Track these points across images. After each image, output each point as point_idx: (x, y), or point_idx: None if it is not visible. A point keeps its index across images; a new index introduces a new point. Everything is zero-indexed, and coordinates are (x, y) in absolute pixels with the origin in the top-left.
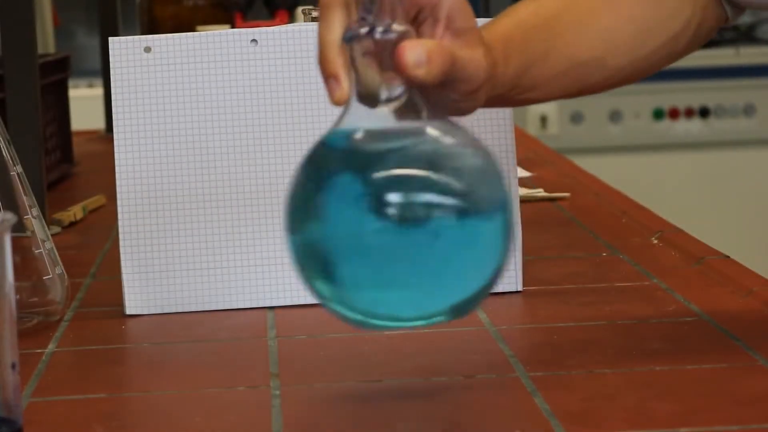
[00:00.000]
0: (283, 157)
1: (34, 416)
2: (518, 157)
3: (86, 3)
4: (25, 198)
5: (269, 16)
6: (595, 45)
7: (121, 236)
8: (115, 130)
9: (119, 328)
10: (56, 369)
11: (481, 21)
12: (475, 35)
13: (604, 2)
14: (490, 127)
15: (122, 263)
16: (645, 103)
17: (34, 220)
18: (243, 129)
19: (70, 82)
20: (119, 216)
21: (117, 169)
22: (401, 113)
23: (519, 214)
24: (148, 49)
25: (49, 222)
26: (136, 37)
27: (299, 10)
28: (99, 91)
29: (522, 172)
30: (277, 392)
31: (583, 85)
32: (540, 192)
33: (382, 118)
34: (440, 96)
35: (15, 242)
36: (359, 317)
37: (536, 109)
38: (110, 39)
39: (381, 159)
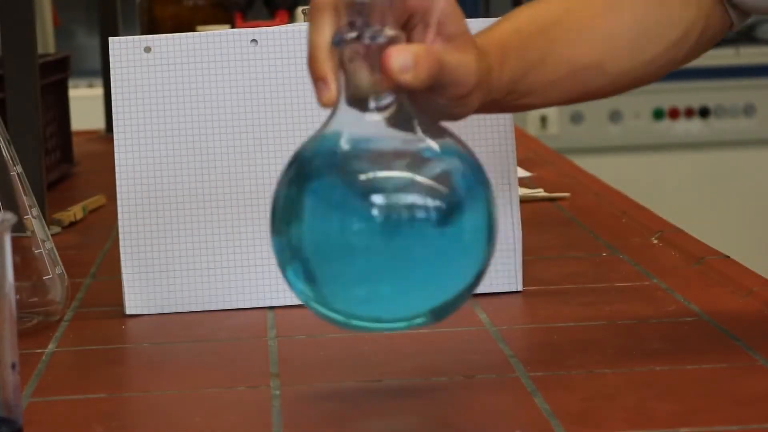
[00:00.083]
0: (283, 157)
1: (34, 416)
2: (518, 157)
3: (86, 3)
4: (25, 198)
5: (269, 16)
6: (595, 51)
7: (121, 236)
8: (115, 130)
9: (119, 328)
10: (56, 369)
11: (481, 22)
12: (467, 40)
13: (605, 8)
14: (490, 128)
15: (122, 263)
16: (645, 103)
17: (34, 220)
18: (243, 129)
19: (70, 82)
20: (119, 216)
21: (117, 169)
22: (391, 118)
23: (519, 214)
24: (148, 49)
25: (49, 222)
26: (136, 37)
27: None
28: (99, 91)
29: (522, 172)
30: (277, 392)
31: (582, 91)
32: (540, 192)
33: (370, 121)
34: (430, 101)
35: (15, 242)
36: (341, 318)
37: (536, 110)
38: (110, 39)
39: (363, 161)
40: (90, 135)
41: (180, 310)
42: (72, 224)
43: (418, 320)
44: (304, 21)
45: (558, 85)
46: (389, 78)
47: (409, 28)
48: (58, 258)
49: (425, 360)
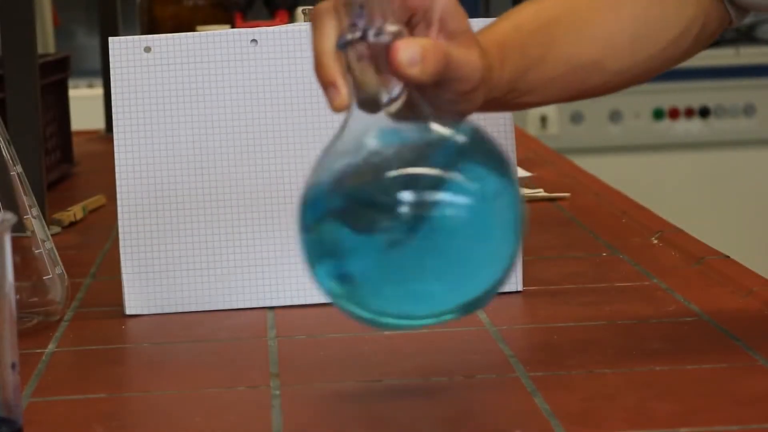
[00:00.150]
0: (283, 157)
1: (34, 416)
2: (518, 157)
3: (86, 3)
4: (25, 198)
5: (269, 16)
6: (594, 48)
7: (121, 236)
8: (115, 130)
9: (119, 328)
10: (56, 369)
11: (481, 21)
12: (469, 37)
13: (605, 5)
14: (490, 128)
15: (122, 263)
16: (645, 103)
17: (34, 220)
18: (243, 129)
19: (70, 82)
20: (119, 216)
21: (117, 169)
22: (404, 114)
23: None
24: (148, 49)
25: (49, 222)
26: (136, 37)
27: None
28: (99, 91)
29: (522, 172)
30: (277, 392)
31: (582, 88)
32: (540, 192)
33: (386, 120)
34: (436, 97)
35: (15, 242)
36: (370, 316)
37: (536, 109)
38: (110, 39)
39: (391, 158)
40: (90, 135)
41: (180, 310)
42: (72, 224)
43: (448, 316)
44: (304, 21)
45: (558, 82)
46: (397, 72)
47: (410, 26)
48: (58, 258)
49: (425, 360)
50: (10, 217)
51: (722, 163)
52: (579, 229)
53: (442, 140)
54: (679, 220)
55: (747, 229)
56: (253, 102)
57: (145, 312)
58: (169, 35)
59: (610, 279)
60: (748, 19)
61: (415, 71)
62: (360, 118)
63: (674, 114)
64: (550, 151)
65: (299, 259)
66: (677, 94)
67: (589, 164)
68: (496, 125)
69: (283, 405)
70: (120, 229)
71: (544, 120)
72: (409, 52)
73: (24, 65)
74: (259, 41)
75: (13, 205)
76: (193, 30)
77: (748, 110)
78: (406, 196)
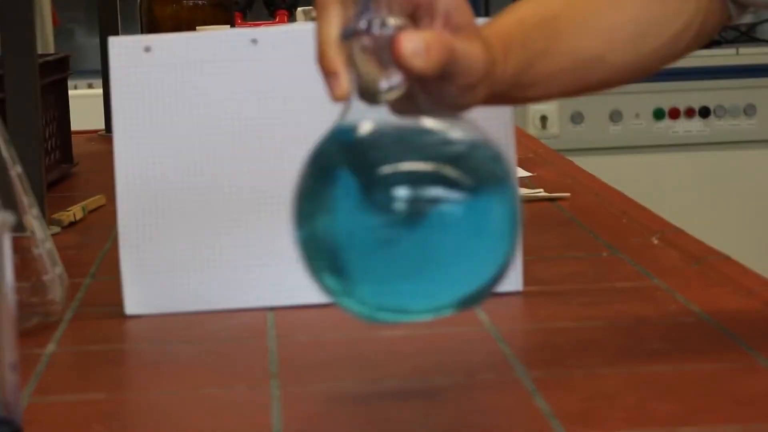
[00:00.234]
0: (283, 157)
1: (34, 416)
2: (518, 157)
3: (86, 3)
4: (25, 198)
5: (269, 16)
6: (596, 43)
7: (121, 236)
8: (114, 130)
9: (119, 328)
10: (56, 369)
11: (481, 21)
12: (474, 30)
13: (606, 0)
14: (490, 127)
15: (122, 263)
16: (645, 103)
17: (34, 220)
18: (243, 129)
19: (70, 82)
20: (119, 216)
21: (117, 169)
22: (403, 108)
23: None
24: (148, 49)
25: (49, 222)
26: (136, 37)
27: (299, 10)
28: (99, 91)
29: (522, 172)
30: (277, 392)
31: (584, 83)
32: (540, 192)
33: (385, 113)
34: (439, 90)
35: (15, 242)
36: (368, 311)
37: (536, 109)
38: (110, 39)
39: (387, 152)
40: (90, 135)
41: (180, 310)
42: (72, 224)
43: (446, 311)
44: (304, 21)
45: (561, 76)
46: (401, 64)
47: (415, 19)
48: (58, 258)
49: (425, 360)
50: (10, 217)
51: (722, 163)
52: (579, 229)
53: (439, 136)
54: (679, 220)
55: (747, 229)
56: (253, 102)
57: (145, 312)
58: (169, 35)
59: (610, 279)
60: (748, 19)
61: (418, 62)
62: (358, 109)
63: (674, 114)
64: (550, 151)
65: (299, 258)
66: (677, 94)
67: (589, 164)
68: (496, 125)
69: (283, 405)
70: (120, 229)
71: (544, 120)
72: (414, 43)
73: (24, 65)
74: (259, 41)
75: (13, 205)
76: (193, 30)
77: (748, 110)
78: (402, 191)
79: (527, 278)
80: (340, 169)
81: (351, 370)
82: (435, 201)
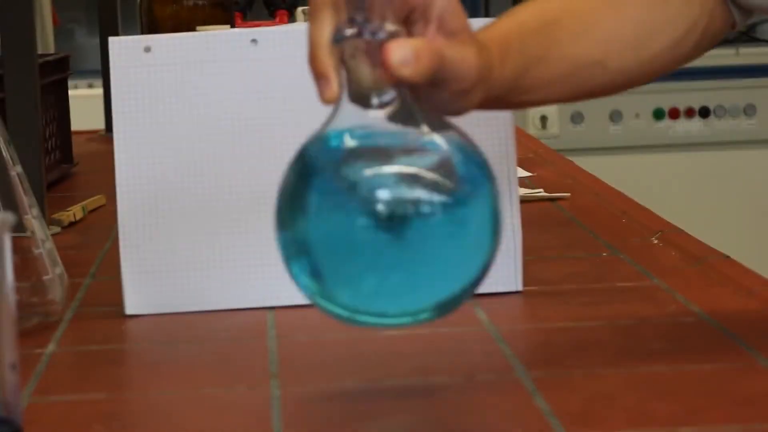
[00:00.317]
0: (282, 157)
1: (34, 416)
2: (518, 157)
3: (86, 3)
4: (25, 198)
5: (269, 16)
6: (596, 48)
7: (121, 236)
8: (115, 130)
9: (119, 328)
10: (56, 369)
11: (481, 21)
12: (468, 35)
13: (607, 5)
14: (490, 127)
15: (122, 263)
16: (645, 103)
17: (34, 220)
18: (243, 129)
19: (70, 82)
20: (119, 216)
21: (117, 169)
22: (394, 113)
23: (519, 214)
24: (148, 49)
25: (49, 222)
26: (136, 37)
27: (299, 10)
28: (99, 91)
29: (522, 172)
30: (277, 392)
31: (584, 88)
32: (540, 192)
33: (372, 117)
34: (432, 96)
35: (15, 242)
36: (345, 313)
37: (536, 109)
38: (110, 39)
39: (367, 157)
40: (90, 135)
41: (180, 310)
42: (72, 224)
43: (424, 315)
44: (304, 21)
45: (559, 82)
46: (390, 72)
47: (409, 24)
48: (58, 258)
49: (425, 360)
50: (10, 217)
51: (722, 163)
52: (579, 229)
53: (421, 140)
54: (679, 220)
55: (747, 229)
56: (253, 102)
57: (145, 312)
58: (169, 35)
59: (610, 279)
60: (749, 20)
61: (407, 71)
62: (348, 112)
63: (674, 114)
64: (550, 151)
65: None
66: (677, 94)
67: (589, 164)
68: (496, 125)
69: (283, 405)
70: (120, 229)
71: (544, 120)
72: (402, 52)
73: (24, 65)
74: (259, 41)
75: (13, 205)
76: (193, 30)
77: (748, 110)
78: (379, 194)
79: (527, 278)
80: (319, 172)
81: (351, 370)
82: (412, 205)
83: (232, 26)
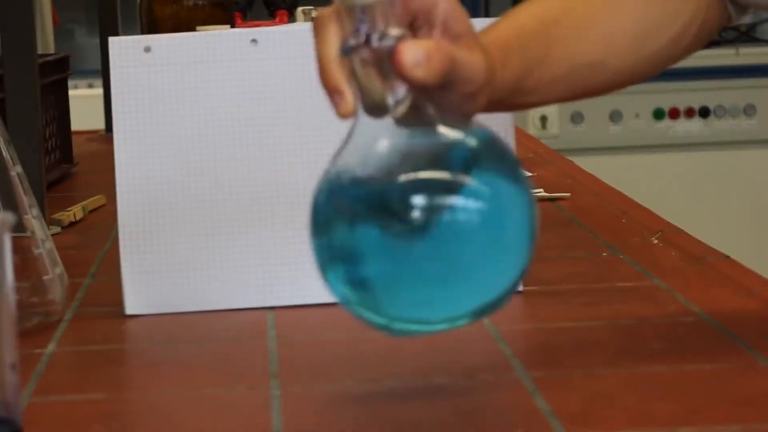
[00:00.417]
0: (282, 157)
1: (34, 416)
2: (518, 157)
3: (86, 3)
4: (25, 198)
5: (269, 16)
6: (596, 48)
7: (121, 236)
8: (115, 130)
9: (119, 328)
10: (56, 369)
11: (481, 21)
12: (472, 38)
13: (605, 5)
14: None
15: (122, 263)
16: (645, 103)
17: (34, 220)
18: (243, 129)
19: (70, 82)
20: (119, 216)
21: (117, 169)
22: (412, 118)
23: None
24: (148, 49)
25: (49, 222)
26: (136, 37)
27: (299, 10)
28: (99, 91)
29: None
30: (277, 392)
31: (584, 87)
32: (540, 192)
33: (392, 125)
34: (440, 99)
35: (15, 242)
36: (383, 321)
37: (536, 109)
38: (110, 39)
39: (403, 163)
40: (90, 135)
41: (180, 310)
42: (72, 224)
43: (462, 321)
44: (304, 21)
45: (561, 82)
46: (402, 75)
47: (413, 30)
48: (58, 258)
49: (425, 360)
50: (10, 217)
51: (722, 163)
52: (579, 229)
53: (453, 143)
54: (679, 220)
55: (747, 229)
56: (253, 102)
57: (145, 312)
58: (169, 35)
59: (610, 279)
60: (747, 19)
61: (420, 73)
62: (367, 123)
63: (674, 114)
64: (550, 151)
65: (299, 258)
66: (677, 94)
67: (589, 164)
68: (496, 125)
69: (283, 405)
70: (120, 229)
71: (544, 120)
72: (414, 53)
73: (24, 65)
74: (259, 41)
75: (13, 205)
76: (193, 30)
77: (748, 110)
78: (419, 200)
79: (527, 278)
80: (356, 180)
81: (351, 370)
82: (450, 210)
83: (232, 26)
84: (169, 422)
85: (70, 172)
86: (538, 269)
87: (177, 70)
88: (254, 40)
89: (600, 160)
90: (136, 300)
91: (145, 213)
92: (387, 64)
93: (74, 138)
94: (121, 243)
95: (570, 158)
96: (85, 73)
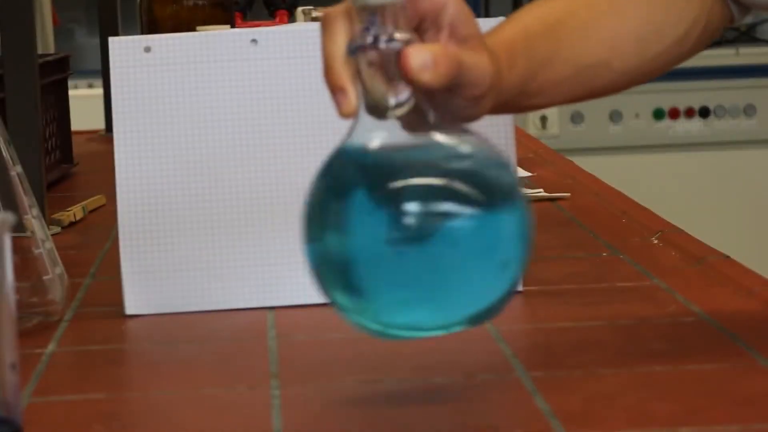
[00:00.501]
0: (283, 157)
1: (34, 416)
2: (518, 157)
3: (86, 3)
4: (25, 198)
5: (269, 16)
6: (600, 49)
7: (121, 236)
8: (115, 130)
9: (119, 328)
10: (56, 369)
11: (481, 22)
12: (479, 41)
13: (610, 6)
14: (490, 128)
15: (122, 263)
16: (645, 103)
17: (34, 220)
18: (243, 129)
19: (70, 82)
20: (119, 216)
21: (117, 169)
22: (411, 122)
23: None
24: (148, 49)
25: (49, 222)
26: (136, 37)
27: (299, 10)
28: (99, 91)
29: (522, 172)
30: (277, 392)
31: (589, 89)
32: (540, 192)
33: (393, 128)
34: (446, 102)
35: (15, 242)
36: (379, 327)
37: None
38: (110, 39)
39: (398, 169)
40: (90, 135)
41: (180, 310)
42: (72, 224)
43: (456, 327)
44: (304, 21)
45: (566, 84)
46: (408, 78)
47: (420, 32)
48: (58, 258)
49: (425, 360)
50: (10, 217)
51: (722, 163)
52: (579, 229)
53: (450, 151)
54: (679, 220)
55: (747, 229)
56: (253, 102)
57: (145, 312)
58: (169, 35)
59: (610, 279)
60: (748, 19)
61: (426, 77)
62: (367, 124)
63: (674, 114)
64: (550, 151)
65: (299, 259)
66: (677, 94)
67: (589, 164)
68: (497, 126)
69: (283, 405)
70: (120, 229)
71: (544, 120)
72: (421, 57)
73: (24, 65)
74: (259, 41)
75: (13, 205)
76: (193, 30)
77: (748, 110)
78: (413, 206)
79: (527, 278)
80: (351, 185)
81: (351, 370)
82: (447, 216)
83: (232, 26)
84: (169, 422)
85: (70, 172)
86: (538, 269)
87: (177, 70)
88: (254, 40)
89: (600, 160)
90: (136, 300)
91: (145, 213)
92: (393, 66)
93: (74, 138)
94: (121, 243)
95: (570, 158)
96: (85, 73)
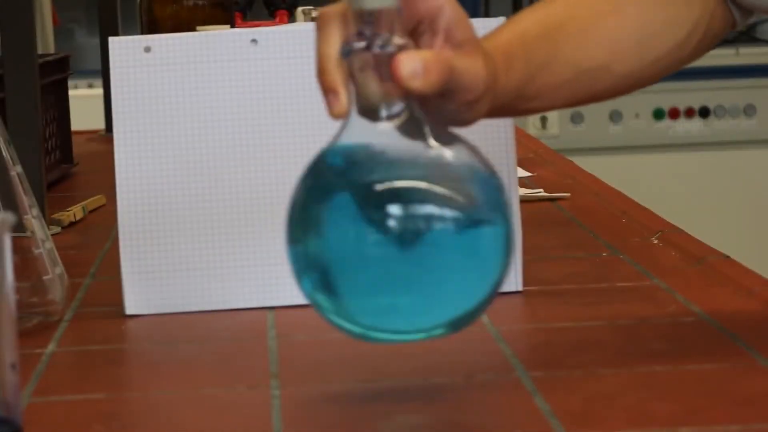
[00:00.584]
0: (282, 157)
1: (34, 416)
2: (518, 157)
3: (86, 3)
4: (25, 198)
5: (269, 16)
6: (600, 52)
7: (121, 236)
8: (115, 130)
9: (119, 328)
10: (56, 369)
11: (481, 22)
12: (475, 46)
13: (610, 9)
14: (490, 128)
15: (122, 263)
16: (645, 103)
17: (34, 220)
18: (243, 129)
19: (70, 82)
20: (119, 216)
21: (117, 169)
22: (403, 126)
23: (519, 214)
24: (148, 49)
25: (49, 222)
26: (136, 37)
27: (299, 10)
28: (99, 91)
29: (522, 172)
30: (277, 392)
31: (588, 92)
32: (540, 192)
33: (382, 131)
34: (440, 107)
35: (15, 242)
36: (359, 330)
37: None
38: (110, 39)
39: (380, 172)
40: (90, 135)
41: (180, 310)
42: (72, 224)
43: (437, 331)
44: (304, 21)
45: (565, 87)
46: (399, 85)
47: (416, 35)
48: (58, 258)
49: (425, 360)
50: (10, 217)
51: (722, 163)
52: (579, 229)
53: (436, 157)
54: (679, 220)
55: (747, 229)
56: (252, 102)
57: (145, 312)
58: (169, 35)
59: (610, 279)
60: (750, 20)
61: (417, 84)
62: (356, 127)
63: (674, 114)
64: (550, 151)
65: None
66: (677, 94)
67: (589, 164)
68: (496, 126)
69: (283, 405)
70: (120, 229)
71: (544, 120)
72: (411, 65)
73: (24, 65)
74: (259, 41)
75: (13, 205)
76: (193, 30)
77: (748, 110)
78: (394, 209)
79: (527, 278)
80: (332, 187)
81: (351, 370)
82: (427, 220)
83: (232, 26)
84: (169, 422)
85: (70, 172)
86: (538, 269)
87: (177, 70)
88: (254, 40)
89: (600, 160)
90: (136, 300)
91: (145, 213)
92: (386, 70)
93: (74, 138)
94: (121, 243)
95: (570, 158)
96: (85, 73)
